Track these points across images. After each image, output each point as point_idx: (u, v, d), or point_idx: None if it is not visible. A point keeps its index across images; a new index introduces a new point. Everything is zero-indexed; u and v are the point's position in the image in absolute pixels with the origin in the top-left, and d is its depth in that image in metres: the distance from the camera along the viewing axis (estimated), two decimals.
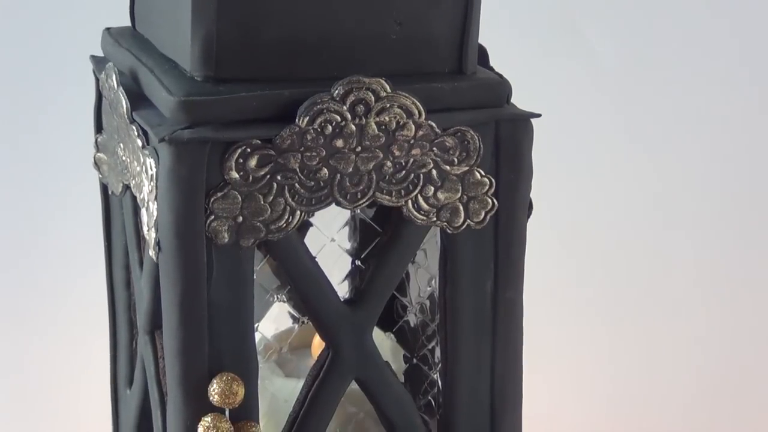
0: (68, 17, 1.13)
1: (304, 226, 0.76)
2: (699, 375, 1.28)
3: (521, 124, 0.71)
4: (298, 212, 0.67)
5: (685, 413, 1.26)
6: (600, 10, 1.25)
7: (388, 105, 0.67)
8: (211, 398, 0.67)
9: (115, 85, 0.71)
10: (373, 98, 0.67)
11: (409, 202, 0.69)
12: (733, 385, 1.29)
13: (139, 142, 0.68)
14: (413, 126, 0.68)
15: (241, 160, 0.66)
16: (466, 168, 0.69)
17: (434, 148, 0.68)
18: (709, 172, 1.29)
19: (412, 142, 0.68)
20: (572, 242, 1.23)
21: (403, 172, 0.68)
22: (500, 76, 0.72)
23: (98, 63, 0.78)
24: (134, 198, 0.74)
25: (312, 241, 0.75)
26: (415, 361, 0.81)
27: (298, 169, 0.67)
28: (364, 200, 0.68)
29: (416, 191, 0.69)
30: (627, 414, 1.25)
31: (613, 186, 1.27)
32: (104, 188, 0.82)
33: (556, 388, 1.17)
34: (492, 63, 0.74)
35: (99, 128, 0.79)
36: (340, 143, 0.67)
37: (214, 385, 0.67)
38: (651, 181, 1.28)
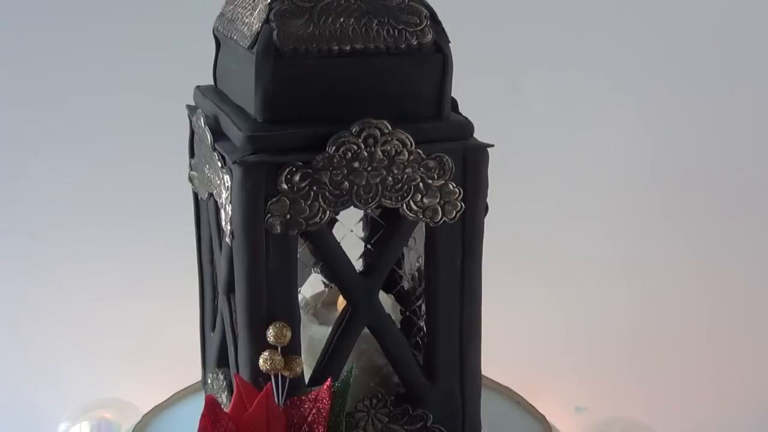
0: (170, 79, 1.13)
1: (332, 221, 0.75)
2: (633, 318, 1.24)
3: (481, 151, 0.70)
4: (328, 212, 0.67)
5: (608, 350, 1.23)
6: (533, 71, 1.25)
7: (389, 138, 0.66)
8: (268, 339, 0.66)
9: (203, 125, 0.71)
10: (379, 134, 0.66)
11: (404, 204, 0.68)
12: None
13: (219, 164, 0.68)
14: (407, 153, 0.67)
15: (289, 176, 0.65)
16: (443, 181, 0.68)
17: (421, 168, 0.68)
18: (617, 180, 1.27)
19: (406, 163, 0.67)
20: (516, 233, 1.22)
21: (400, 184, 0.68)
22: (466, 118, 0.71)
23: (191, 110, 0.78)
24: (215, 202, 0.73)
25: (337, 231, 0.75)
26: (407, 313, 0.80)
27: (328, 183, 0.66)
28: (373, 203, 0.68)
29: (409, 197, 0.68)
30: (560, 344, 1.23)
31: (542, 193, 1.26)
32: (196, 196, 0.81)
33: (505, 329, 1.16)
34: (460, 109, 0.73)
35: (192, 154, 0.78)
36: (356, 164, 0.66)
37: (270, 330, 0.66)
38: (568, 189, 1.27)
